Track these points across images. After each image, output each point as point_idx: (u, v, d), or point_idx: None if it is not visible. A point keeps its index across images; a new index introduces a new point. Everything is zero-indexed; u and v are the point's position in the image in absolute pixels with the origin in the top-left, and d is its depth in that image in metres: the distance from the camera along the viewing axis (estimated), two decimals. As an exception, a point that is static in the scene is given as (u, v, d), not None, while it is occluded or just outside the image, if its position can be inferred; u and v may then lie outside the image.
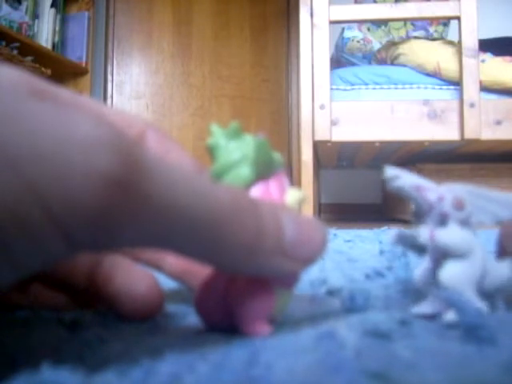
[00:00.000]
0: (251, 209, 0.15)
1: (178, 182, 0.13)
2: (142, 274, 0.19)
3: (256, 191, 0.17)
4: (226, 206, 0.14)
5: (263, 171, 0.17)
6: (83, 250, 0.12)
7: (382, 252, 0.43)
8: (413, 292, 0.23)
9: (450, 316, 0.18)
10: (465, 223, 0.19)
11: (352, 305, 0.20)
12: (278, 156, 0.18)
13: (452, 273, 0.19)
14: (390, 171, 0.20)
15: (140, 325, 0.19)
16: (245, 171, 0.17)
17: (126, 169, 0.11)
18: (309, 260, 0.16)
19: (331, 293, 0.25)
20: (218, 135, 0.18)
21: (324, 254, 0.17)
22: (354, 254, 0.44)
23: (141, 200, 0.12)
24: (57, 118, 0.11)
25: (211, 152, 0.18)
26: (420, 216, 0.20)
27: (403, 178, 0.20)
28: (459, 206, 0.19)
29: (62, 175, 0.10)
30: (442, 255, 0.19)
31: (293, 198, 0.18)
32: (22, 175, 0.10)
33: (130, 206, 0.12)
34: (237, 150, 0.17)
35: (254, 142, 0.17)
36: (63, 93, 0.17)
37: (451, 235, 0.19)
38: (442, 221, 0.20)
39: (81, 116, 0.11)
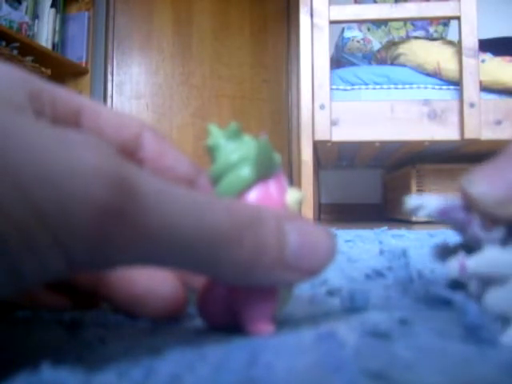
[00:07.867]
0: (250, 224, 0.15)
1: (174, 205, 0.13)
2: (165, 275, 0.19)
3: (256, 192, 0.17)
4: (223, 225, 0.14)
5: (264, 172, 0.17)
6: (83, 269, 0.13)
7: (382, 252, 0.43)
8: (413, 292, 0.23)
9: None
10: (505, 242, 0.16)
11: (352, 305, 0.20)
12: (277, 156, 0.18)
13: (496, 298, 0.16)
14: (411, 201, 0.19)
15: (140, 325, 0.19)
16: (245, 172, 0.17)
17: (122, 199, 0.12)
18: (314, 271, 0.16)
19: (331, 293, 0.25)
20: (216, 135, 0.18)
21: (332, 263, 0.16)
22: (354, 254, 0.44)
23: (135, 226, 0.12)
24: (59, 145, 0.12)
25: (210, 152, 0.18)
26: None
27: (426, 206, 0.18)
28: (488, 226, 0.17)
29: (64, 201, 0.11)
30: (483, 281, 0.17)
31: (293, 198, 0.18)
32: (29, 198, 0.11)
33: (126, 231, 0.12)
34: (236, 151, 0.17)
35: (256, 142, 0.17)
36: (61, 92, 0.17)
37: (483, 262, 0.16)
38: (477, 244, 0.17)
39: (82, 143, 0.12)
